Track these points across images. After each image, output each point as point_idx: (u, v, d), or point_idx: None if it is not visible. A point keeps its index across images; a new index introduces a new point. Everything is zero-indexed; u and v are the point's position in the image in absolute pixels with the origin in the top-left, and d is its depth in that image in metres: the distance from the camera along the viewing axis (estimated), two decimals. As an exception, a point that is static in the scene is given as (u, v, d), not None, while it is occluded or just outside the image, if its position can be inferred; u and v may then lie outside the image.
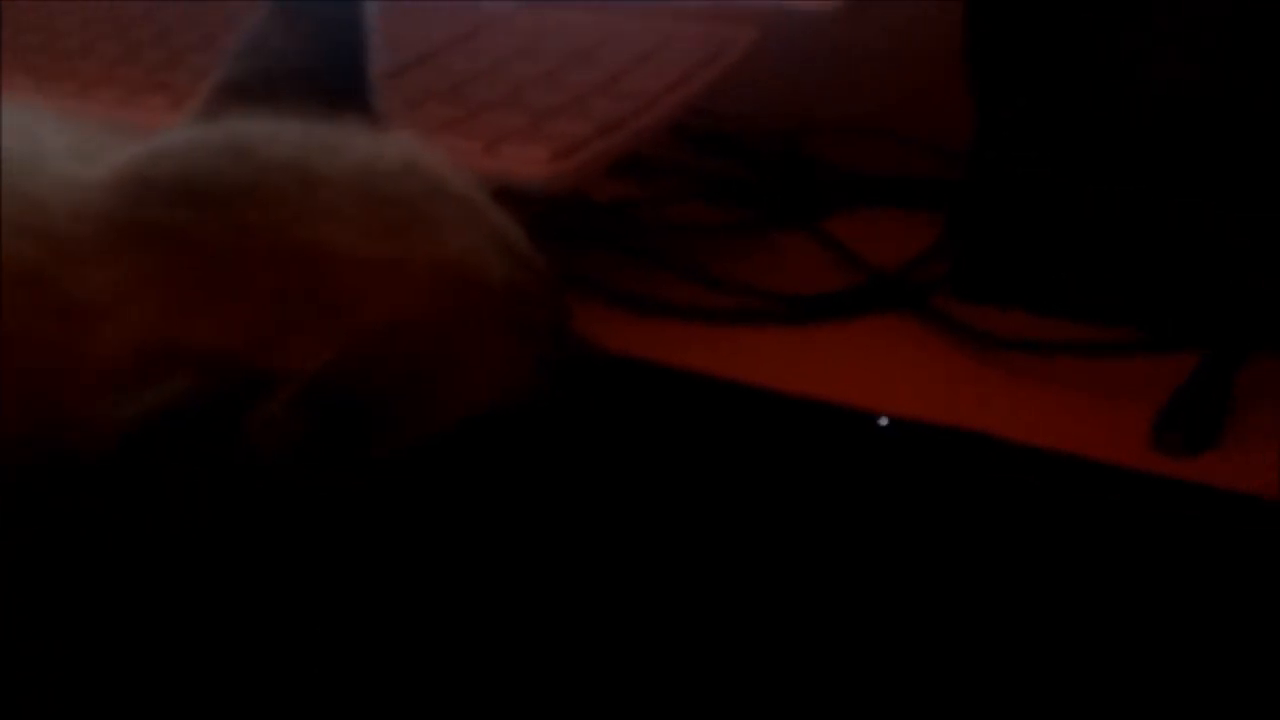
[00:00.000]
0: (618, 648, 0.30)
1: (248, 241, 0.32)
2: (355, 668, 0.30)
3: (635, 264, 0.51)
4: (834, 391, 0.41)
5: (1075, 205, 0.44)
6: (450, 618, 0.31)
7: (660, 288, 0.49)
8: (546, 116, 0.50)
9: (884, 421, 0.39)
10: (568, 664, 0.30)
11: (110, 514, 0.30)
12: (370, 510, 0.32)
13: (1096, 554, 0.33)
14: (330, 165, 0.33)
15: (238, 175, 0.33)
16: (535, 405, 0.34)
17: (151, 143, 0.34)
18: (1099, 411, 0.40)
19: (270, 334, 0.31)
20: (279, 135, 0.34)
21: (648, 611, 0.31)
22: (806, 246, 0.54)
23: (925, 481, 0.36)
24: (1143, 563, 0.33)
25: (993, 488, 0.36)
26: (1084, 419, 0.39)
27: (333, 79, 0.38)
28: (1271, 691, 0.29)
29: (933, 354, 0.44)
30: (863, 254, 0.51)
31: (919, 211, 0.54)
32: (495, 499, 0.34)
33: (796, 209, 0.56)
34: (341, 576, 0.31)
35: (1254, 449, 0.37)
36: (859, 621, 0.31)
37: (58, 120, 0.37)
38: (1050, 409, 0.40)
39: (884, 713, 0.29)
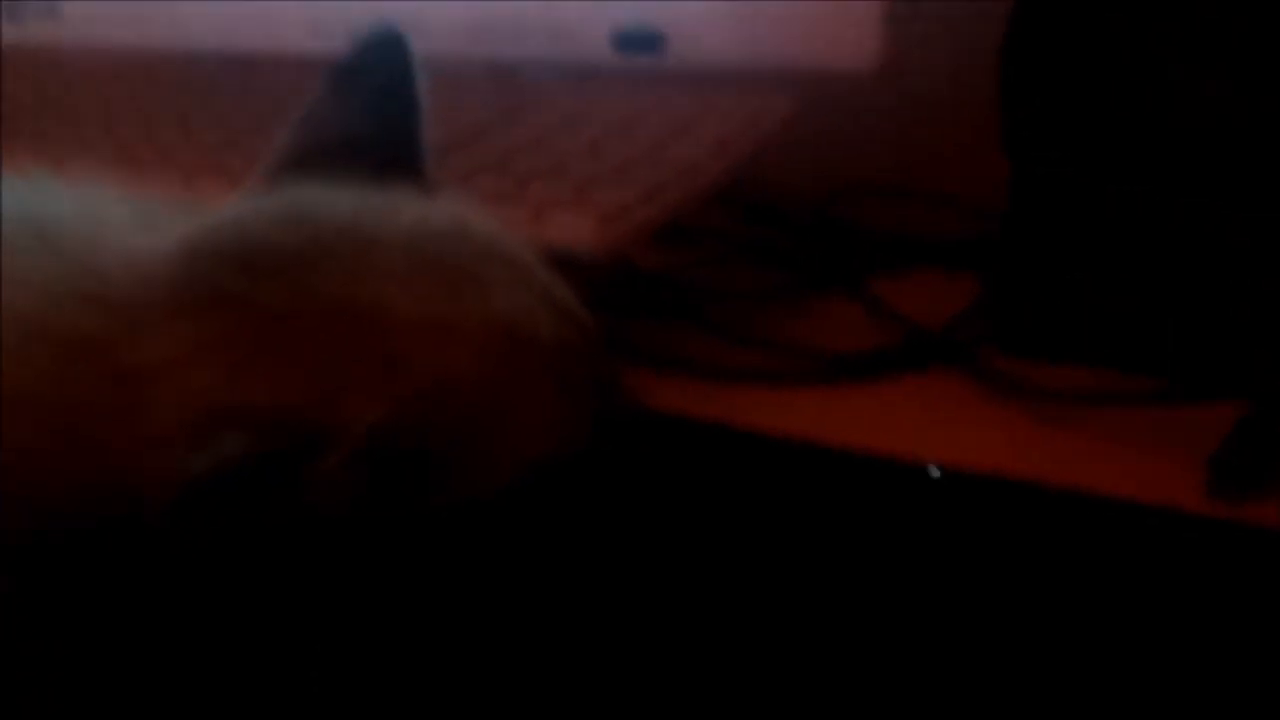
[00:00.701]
0: (665, 697, 0.30)
1: (304, 304, 0.32)
2: (411, 711, 0.30)
3: (681, 329, 0.51)
4: (882, 447, 0.41)
5: (1113, 258, 0.45)
6: (499, 663, 0.31)
7: (706, 351, 0.49)
8: (592, 186, 0.51)
9: (935, 472, 0.39)
10: (615, 713, 0.30)
11: (171, 571, 0.31)
12: (424, 561, 0.32)
13: (1157, 598, 0.33)
14: (384, 229, 0.34)
15: (295, 241, 0.34)
16: (583, 459, 0.34)
17: (213, 213, 0.35)
18: (1148, 460, 0.40)
19: (326, 393, 0.31)
20: (335, 202, 0.35)
21: (696, 662, 0.31)
22: (847, 308, 0.54)
23: (979, 531, 0.36)
24: (1204, 605, 0.32)
25: (1047, 535, 0.36)
26: (1134, 468, 0.39)
27: (386, 150, 0.39)
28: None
29: (978, 409, 0.44)
30: (904, 313, 0.51)
31: (956, 270, 0.54)
32: (544, 550, 0.34)
33: (836, 271, 0.57)
34: (397, 625, 0.32)
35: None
36: (919, 670, 0.31)
37: (120, 196, 0.38)
38: (1099, 459, 0.40)
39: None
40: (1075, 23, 0.44)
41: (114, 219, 0.36)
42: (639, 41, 0.53)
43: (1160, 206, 0.44)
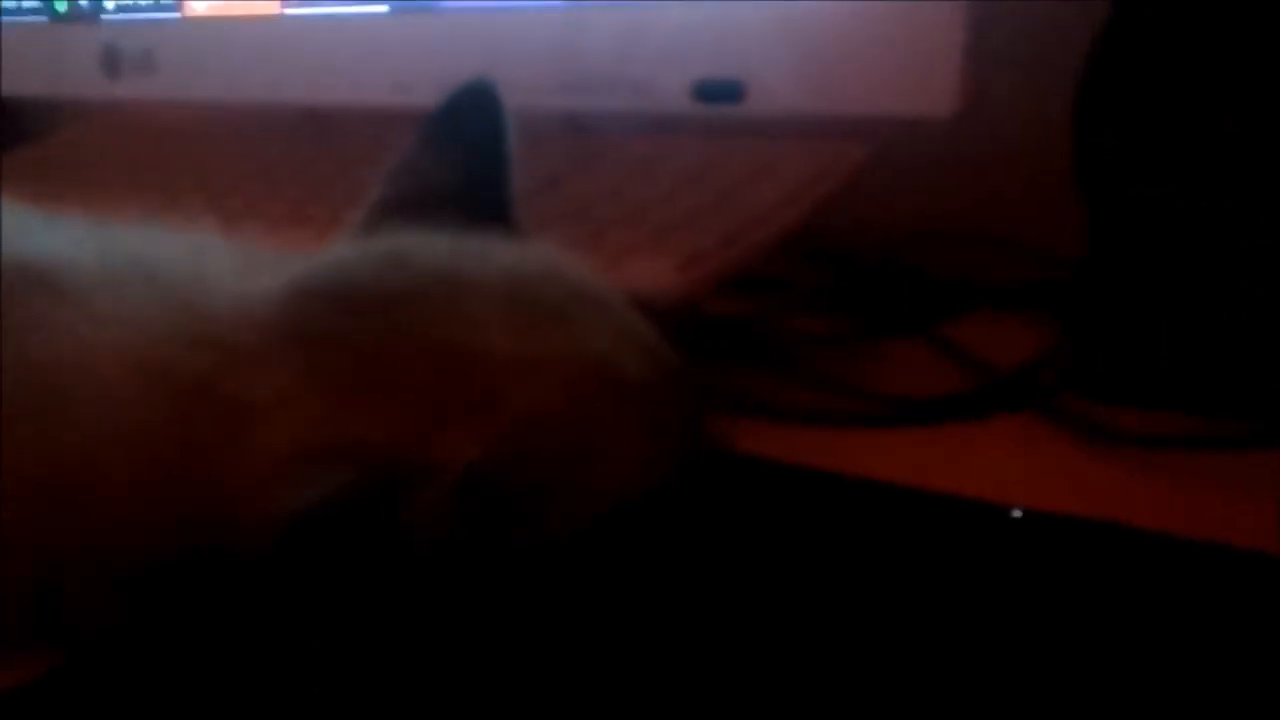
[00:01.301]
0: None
1: (404, 343, 0.34)
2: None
3: (755, 373, 0.52)
4: (959, 490, 0.41)
5: (1193, 302, 0.45)
6: (577, 694, 0.32)
7: (780, 396, 0.50)
8: (669, 232, 0.52)
9: (1017, 513, 0.39)
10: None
11: (273, 603, 0.32)
12: (508, 594, 0.33)
13: (1240, 640, 0.33)
14: (478, 272, 0.36)
15: (394, 283, 0.35)
16: (665, 497, 0.35)
17: (315, 257, 0.37)
18: (1229, 504, 0.40)
19: (425, 429, 0.33)
20: (431, 247, 0.36)
21: (773, 702, 0.32)
22: (920, 353, 0.55)
23: (1062, 573, 0.36)
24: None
25: (1132, 576, 0.36)
26: (1215, 512, 0.39)
27: (477, 198, 0.40)
28: None
29: (1055, 452, 0.45)
30: (978, 357, 0.52)
31: (1028, 315, 0.55)
32: (622, 586, 0.35)
33: (907, 316, 0.58)
34: (489, 657, 0.33)
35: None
36: (1002, 710, 0.31)
37: (222, 242, 0.40)
38: (1179, 503, 0.40)
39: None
40: (1152, 66, 0.44)
41: (218, 264, 0.38)
42: (719, 92, 0.55)
43: (1240, 248, 0.44)
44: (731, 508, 0.39)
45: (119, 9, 0.81)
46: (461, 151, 0.41)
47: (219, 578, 0.32)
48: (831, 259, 0.64)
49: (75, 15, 0.83)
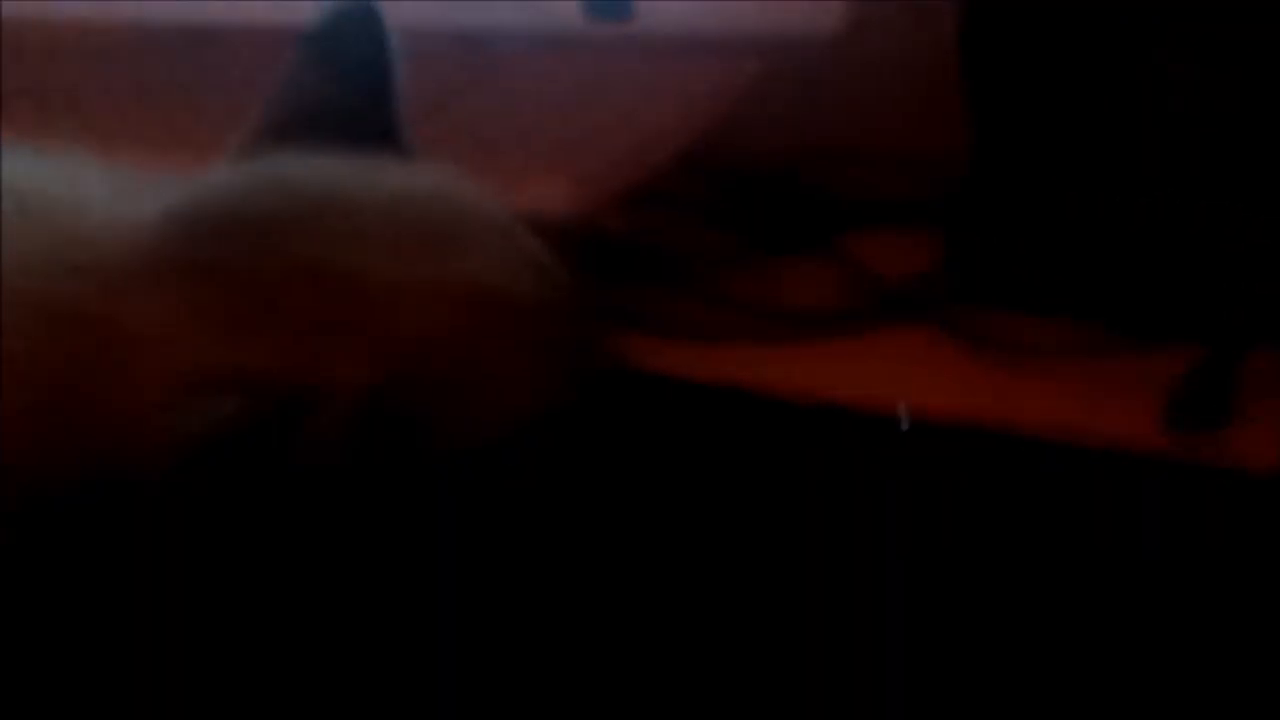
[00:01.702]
0: (631, 641, 0.31)
1: (290, 270, 0.33)
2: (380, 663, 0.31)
3: (657, 292, 0.52)
4: (855, 399, 0.42)
5: (1073, 212, 0.46)
6: (477, 617, 0.32)
7: (682, 313, 0.50)
8: (563, 151, 0.52)
9: (905, 423, 0.40)
10: (582, 665, 0.31)
11: (165, 530, 0.31)
12: (412, 516, 0.33)
13: (1123, 538, 0.34)
14: (367, 195, 0.35)
15: (279, 207, 0.34)
16: (565, 417, 0.35)
17: (197, 182, 0.36)
18: (1107, 403, 0.41)
19: (314, 355, 0.32)
20: (318, 169, 0.36)
21: (670, 611, 0.32)
22: (813, 269, 0.55)
23: (949, 481, 0.37)
24: (1162, 542, 0.34)
25: (1014, 482, 0.37)
26: (1094, 411, 0.41)
27: (362, 119, 0.39)
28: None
29: (945, 360, 0.46)
30: (871, 271, 0.52)
31: (921, 230, 0.55)
32: (528, 503, 0.35)
33: (803, 234, 0.58)
34: (384, 579, 0.33)
35: (1261, 432, 0.38)
36: (886, 614, 0.32)
37: (97, 167, 0.38)
38: (1062, 404, 0.41)
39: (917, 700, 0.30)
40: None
41: (93, 189, 0.36)
42: (609, 5, 0.54)
43: (1120, 161, 0.45)
44: (631, 425, 0.39)
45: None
46: (344, 71, 0.40)
47: (118, 508, 0.32)
48: (730, 177, 0.64)
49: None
